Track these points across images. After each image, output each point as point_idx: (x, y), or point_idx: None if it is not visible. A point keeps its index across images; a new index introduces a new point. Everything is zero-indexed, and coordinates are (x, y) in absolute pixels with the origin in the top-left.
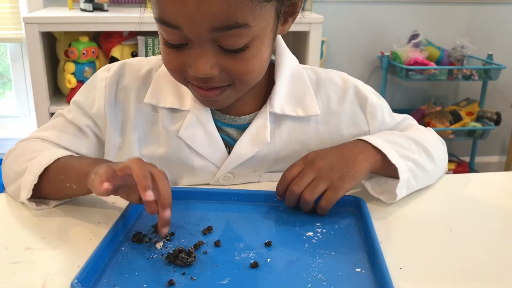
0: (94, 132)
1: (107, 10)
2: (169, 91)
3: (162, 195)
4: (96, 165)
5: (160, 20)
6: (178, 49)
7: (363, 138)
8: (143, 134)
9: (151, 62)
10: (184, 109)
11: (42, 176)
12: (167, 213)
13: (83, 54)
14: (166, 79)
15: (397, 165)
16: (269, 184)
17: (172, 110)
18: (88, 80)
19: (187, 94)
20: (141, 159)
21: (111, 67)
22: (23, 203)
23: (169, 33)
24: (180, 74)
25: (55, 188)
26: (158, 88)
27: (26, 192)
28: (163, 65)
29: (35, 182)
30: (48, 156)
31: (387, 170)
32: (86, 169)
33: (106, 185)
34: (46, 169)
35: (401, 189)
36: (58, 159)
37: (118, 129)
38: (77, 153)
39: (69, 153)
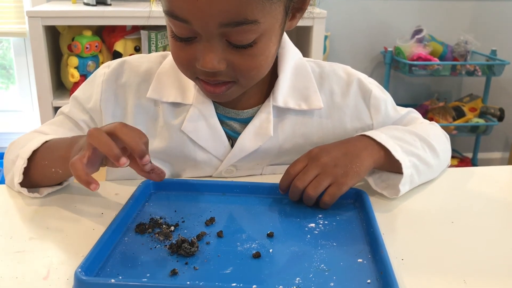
0: (90, 127)
1: (110, 4)
2: (171, 86)
3: (132, 148)
4: (71, 147)
5: (169, 13)
6: (187, 43)
7: (367, 133)
8: (144, 130)
9: (151, 59)
10: (186, 103)
11: (31, 162)
12: (145, 160)
13: (87, 48)
14: (169, 75)
15: (401, 161)
16: (272, 176)
17: (175, 105)
18: (89, 76)
19: (190, 88)
20: (95, 130)
21: (110, 64)
22: (19, 192)
23: (178, 26)
24: (188, 67)
25: (43, 174)
26: (161, 83)
27: (17, 176)
28: (165, 61)
29: (25, 165)
30: (37, 141)
31: (390, 165)
32: (65, 154)
33: (94, 186)
34: (35, 153)
35: (404, 185)
36: (46, 142)
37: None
38: None
39: (57, 137)
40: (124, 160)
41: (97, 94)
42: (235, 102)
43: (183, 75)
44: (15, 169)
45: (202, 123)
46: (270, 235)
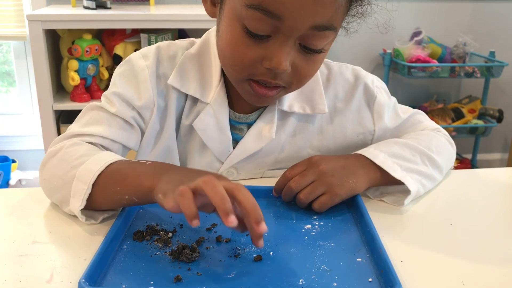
0: (138, 124)
1: (110, 8)
2: (193, 78)
3: (248, 211)
4: (157, 177)
5: (258, 6)
6: (258, 40)
7: (366, 153)
8: (176, 121)
9: (183, 47)
10: (204, 101)
11: (94, 185)
12: (262, 228)
13: (87, 51)
14: (193, 64)
15: (402, 179)
16: (271, 180)
17: (192, 100)
18: (122, 70)
19: (211, 87)
20: (212, 177)
21: (146, 54)
22: (23, 196)
23: (260, 21)
24: (248, 67)
25: (111, 199)
26: (183, 72)
27: (79, 202)
28: (192, 48)
29: (89, 191)
30: (97, 162)
31: (389, 182)
32: (147, 184)
33: (196, 223)
34: (98, 176)
35: (409, 199)
36: (110, 165)
37: (158, 117)
38: (125, 146)
39: (118, 157)
40: (233, 219)
41: (147, 90)
42: (246, 106)
43: (206, 70)
44: (75, 193)
45: (213, 123)
46: (268, 238)
